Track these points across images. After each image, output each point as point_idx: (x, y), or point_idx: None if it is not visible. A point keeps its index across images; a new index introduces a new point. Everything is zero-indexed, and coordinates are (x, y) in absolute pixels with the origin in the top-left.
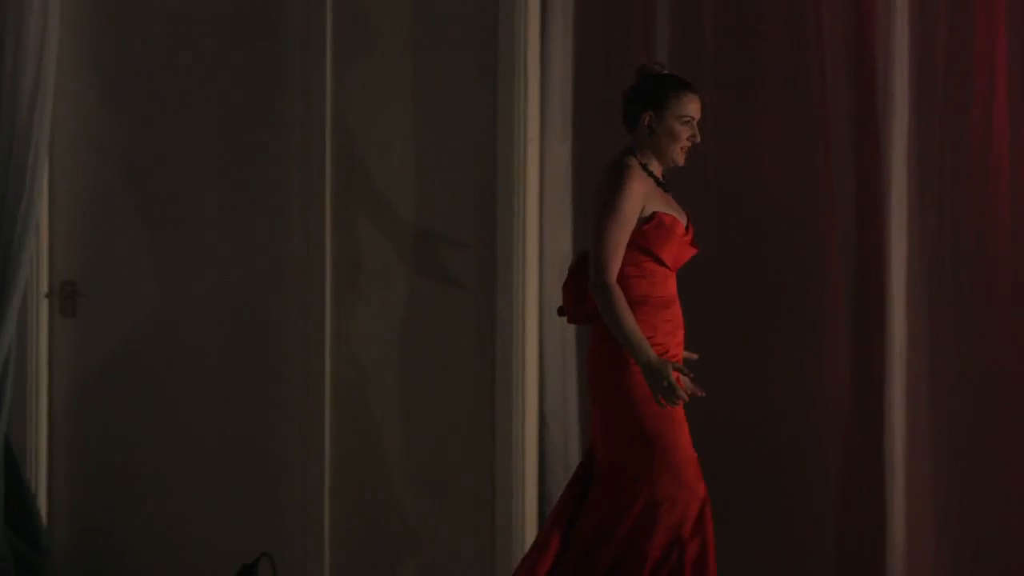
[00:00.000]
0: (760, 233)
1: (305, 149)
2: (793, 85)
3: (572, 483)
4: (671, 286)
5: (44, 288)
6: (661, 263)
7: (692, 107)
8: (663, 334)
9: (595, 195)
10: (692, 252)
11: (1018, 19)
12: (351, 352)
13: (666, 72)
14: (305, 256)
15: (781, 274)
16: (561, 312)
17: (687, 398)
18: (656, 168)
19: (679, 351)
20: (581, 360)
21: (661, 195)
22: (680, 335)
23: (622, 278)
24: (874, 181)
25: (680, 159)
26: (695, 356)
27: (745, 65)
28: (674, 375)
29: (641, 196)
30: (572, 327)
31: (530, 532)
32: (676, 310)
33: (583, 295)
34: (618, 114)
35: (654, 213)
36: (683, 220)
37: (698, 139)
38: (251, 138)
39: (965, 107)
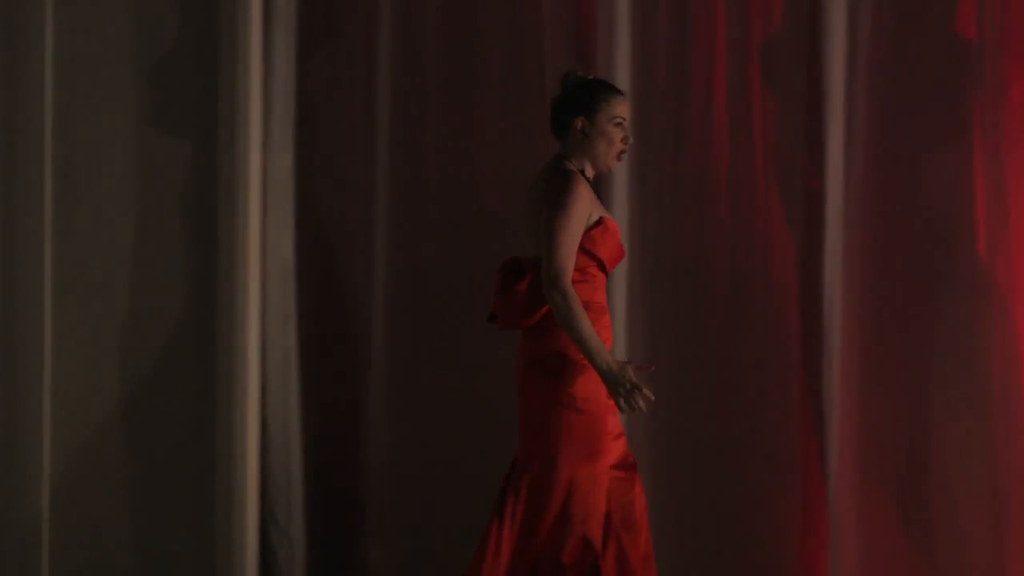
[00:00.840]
0: (476, 234)
1: (26, 157)
2: (513, 86)
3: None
4: (605, 293)
5: None
6: (602, 268)
7: (622, 109)
8: (605, 339)
9: (541, 202)
10: (623, 256)
11: (736, 19)
12: (71, 359)
13: (592, 77)
14: (24, 263)
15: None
16: (492, 319)
17: (652, 397)
18: (590, 173)
19: None
20: (304, 363)
21: (598, 200)
22: (611, 343)
23: None
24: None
25: (612, 164)
26: None
27: (467, 69)
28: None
29: (588, 202)
30: (294, 331)
31: (251, 537)
32: (609, 318)
33: (538, 300)
34: (340, 120)
35: (600, 218)
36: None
37: (631, 140)
38: None
39: (685, 109)
